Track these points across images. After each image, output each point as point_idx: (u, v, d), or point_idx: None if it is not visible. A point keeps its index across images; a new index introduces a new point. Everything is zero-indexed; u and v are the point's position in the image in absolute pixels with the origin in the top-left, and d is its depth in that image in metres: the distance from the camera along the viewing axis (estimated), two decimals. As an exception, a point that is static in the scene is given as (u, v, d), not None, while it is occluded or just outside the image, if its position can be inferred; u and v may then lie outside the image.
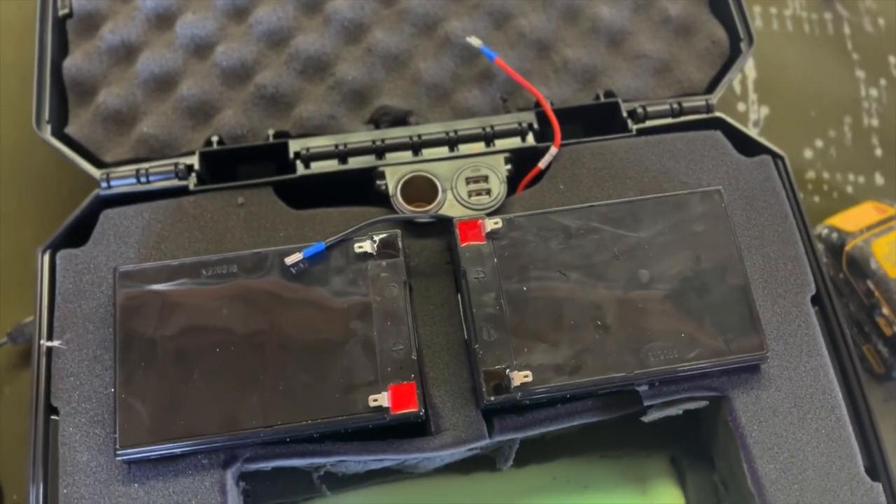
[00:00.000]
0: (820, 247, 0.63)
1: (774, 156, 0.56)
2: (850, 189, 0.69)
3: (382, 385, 0.47)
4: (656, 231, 0.50)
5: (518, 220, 0.50)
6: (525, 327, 0.48)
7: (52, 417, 0.49)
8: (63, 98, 0.59)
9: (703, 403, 0.50)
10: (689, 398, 0.49)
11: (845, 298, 0.62)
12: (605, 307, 0.49)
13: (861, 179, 0.69)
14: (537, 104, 0.58)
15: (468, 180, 0.55)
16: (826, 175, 0.69)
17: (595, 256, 0.50)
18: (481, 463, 0.53)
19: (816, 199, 0.68)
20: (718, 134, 0.57)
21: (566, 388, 0.47)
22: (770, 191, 0.55)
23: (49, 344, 0.50)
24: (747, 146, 0.57)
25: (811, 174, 0.69)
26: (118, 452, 0.46)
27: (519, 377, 0.47)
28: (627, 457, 0.56)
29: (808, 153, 0.70)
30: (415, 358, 0.48)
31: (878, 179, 0.69)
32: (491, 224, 0.50)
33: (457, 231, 0.50)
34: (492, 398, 0.47)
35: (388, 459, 0.49)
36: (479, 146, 0.56)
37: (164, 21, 0.61)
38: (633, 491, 0.55)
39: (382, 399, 0.46)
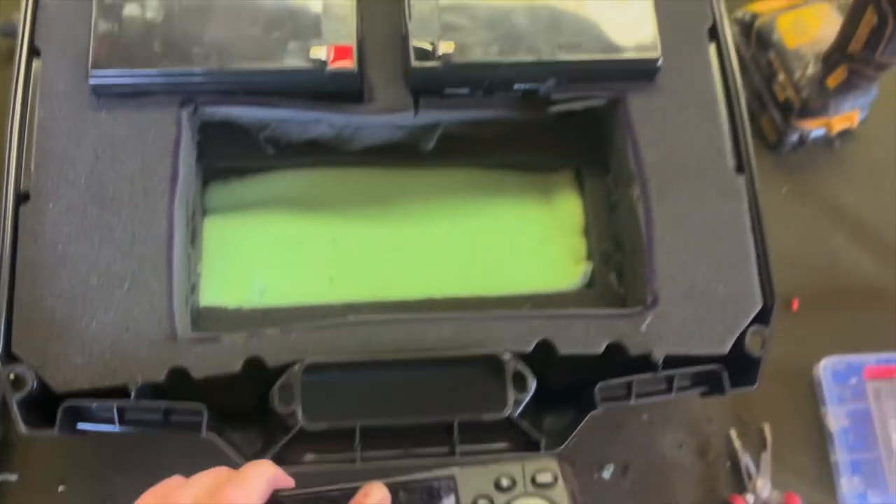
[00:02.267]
0: (736, 28, 0.71)
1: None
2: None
3: (324, 42, 0.54)
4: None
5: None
6: (455, 14, 0.55)
7: (34, 63, 0.56)
8: None
9: (602, 101, 0.57)
10: (590, 95, 0.57)
11: (750, 74, 0.70)
12: (527, 5, 0.56)
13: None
14: None
15: None
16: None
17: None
18: (406, 155, 0.61)
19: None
20: None
21: (484, 65, 0.55)
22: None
23: None
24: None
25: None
26: (90, 74, 0.53)
27: (443, 48, 0.54)
28: (537, 170, 0.63)
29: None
30: (356, 31, 0.55)
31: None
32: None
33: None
34: (417, 63, 0.54)
35: (326, 120, 0.56)
36: None
37: None
38: (540, 199, 0.63)
39: (321, 52, 0.53)
